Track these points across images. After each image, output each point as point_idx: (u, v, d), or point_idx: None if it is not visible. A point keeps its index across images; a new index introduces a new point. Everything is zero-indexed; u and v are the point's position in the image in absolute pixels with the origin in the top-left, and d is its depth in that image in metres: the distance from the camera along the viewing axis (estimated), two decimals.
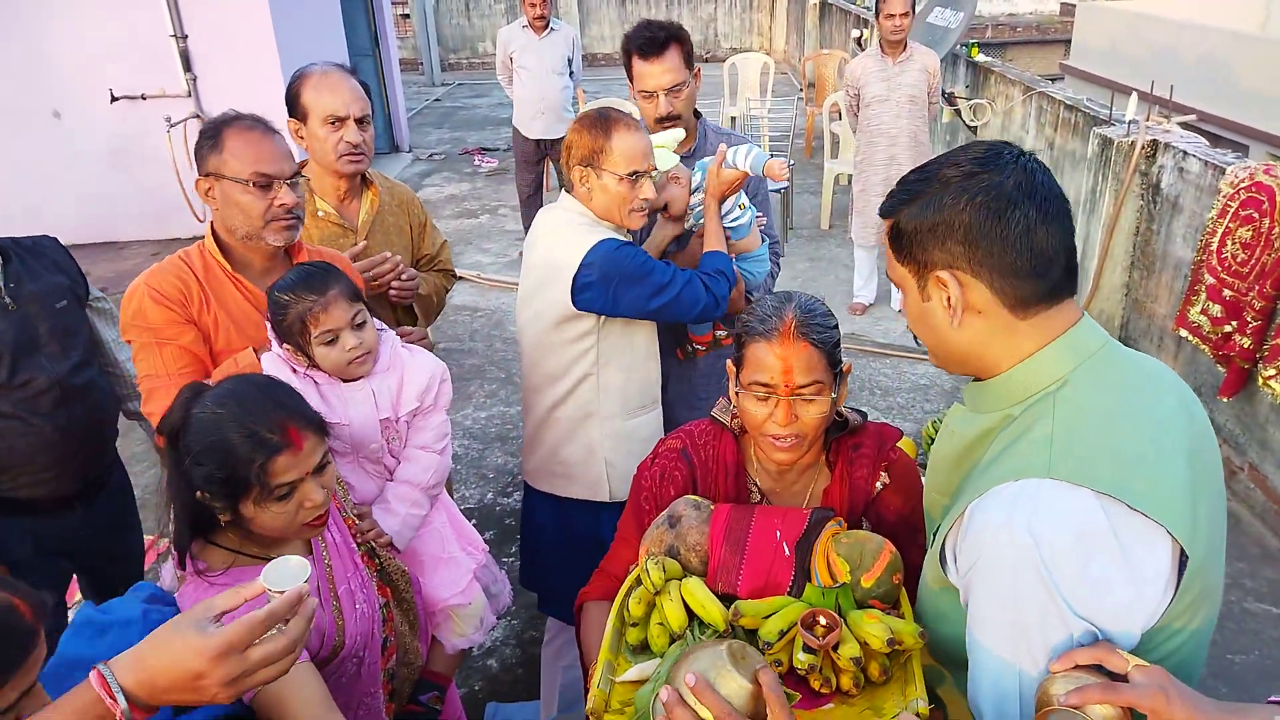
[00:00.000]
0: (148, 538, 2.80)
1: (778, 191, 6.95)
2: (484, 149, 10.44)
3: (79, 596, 2.63)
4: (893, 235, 1.20)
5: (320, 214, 2.44)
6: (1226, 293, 3.77)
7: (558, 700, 2.74)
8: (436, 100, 13.85)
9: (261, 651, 1.09)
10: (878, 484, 1.67)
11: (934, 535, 1.21)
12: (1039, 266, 1.11)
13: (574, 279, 2.18)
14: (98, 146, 7.12)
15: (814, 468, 1.71)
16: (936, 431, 2.73)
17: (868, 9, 9.37)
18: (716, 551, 1.55)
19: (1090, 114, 5.39)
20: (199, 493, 1.46)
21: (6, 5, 6.73)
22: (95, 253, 7.23)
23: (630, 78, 2.65)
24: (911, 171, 1.21)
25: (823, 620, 1.38)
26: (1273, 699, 1.01)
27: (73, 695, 1.06)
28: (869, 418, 1.78)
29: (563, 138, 2.33)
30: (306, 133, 2.40)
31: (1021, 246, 1.10)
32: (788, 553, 1.53)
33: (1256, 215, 3.64)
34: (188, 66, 6.97)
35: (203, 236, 2.07)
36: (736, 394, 1.63)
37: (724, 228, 2.43)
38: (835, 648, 1.37)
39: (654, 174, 2.24)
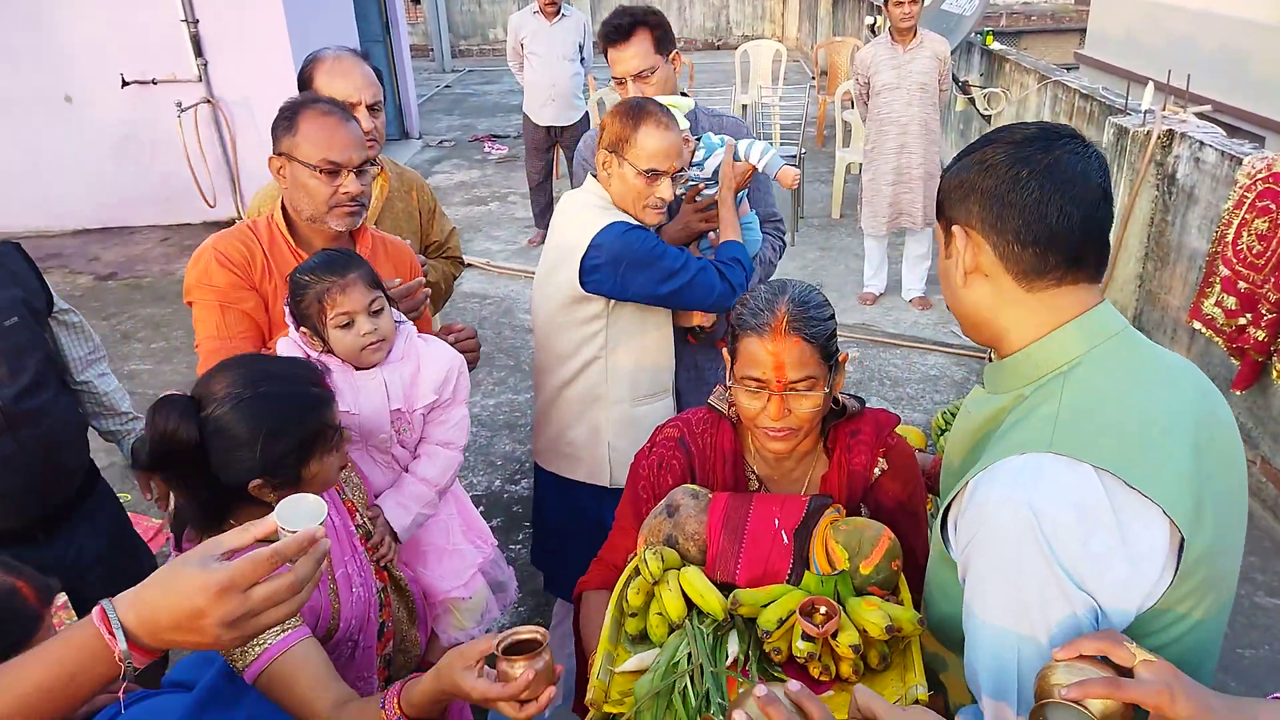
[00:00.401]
0: (153, 524, 2.79)
1: None
2: (494, 136, 10.42)
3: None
4: (939, 189, 1.24)
5: None
6: (1241, 285, 3.74)
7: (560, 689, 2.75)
8: (447, 87, 13.82)
9: (266, 590, 1.02)
10: (876, 470, 1.67)
11: (939, 511, 1.22)
12: (1045, 239, 1.12)
13: (582, 260, 2.18)
14: (109, 132, 7.13)
15: (812, 454, 1.71)
16: (946, 423, 2.72)
17: None
18: (715, 540, 1.55)
19: (1106, 103, 5.34)
20: (256, 483, 1.45)
21: None
22: (105, 238, 7.26)
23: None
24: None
25: (822, 608, 1.39)
26: (1276, 695, 1.00)
27: (74, 629, 1.02)
28: (868, 404, 1.77)
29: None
30: None
31: (1032, 217, 1.12)
32: (786, 540, 1.53)
33: (1274, 206, 3.61)
34: (199, 51, 6.97)
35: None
36: (730, 386, 1.63)
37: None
38: (834, 635, 1.37)
39: (685, 176, 2.22)
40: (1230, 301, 3.80)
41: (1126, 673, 0.98)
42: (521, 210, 7.73)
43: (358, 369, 1.87)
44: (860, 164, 5.84)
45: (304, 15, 7.27)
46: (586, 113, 6.80)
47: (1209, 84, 7.43)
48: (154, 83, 6.99)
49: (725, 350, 1.65)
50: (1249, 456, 3.90)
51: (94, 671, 1.00)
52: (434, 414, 1.93)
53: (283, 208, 2.08)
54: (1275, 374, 3.61)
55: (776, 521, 1.54)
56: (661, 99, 2.39)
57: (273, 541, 1.06)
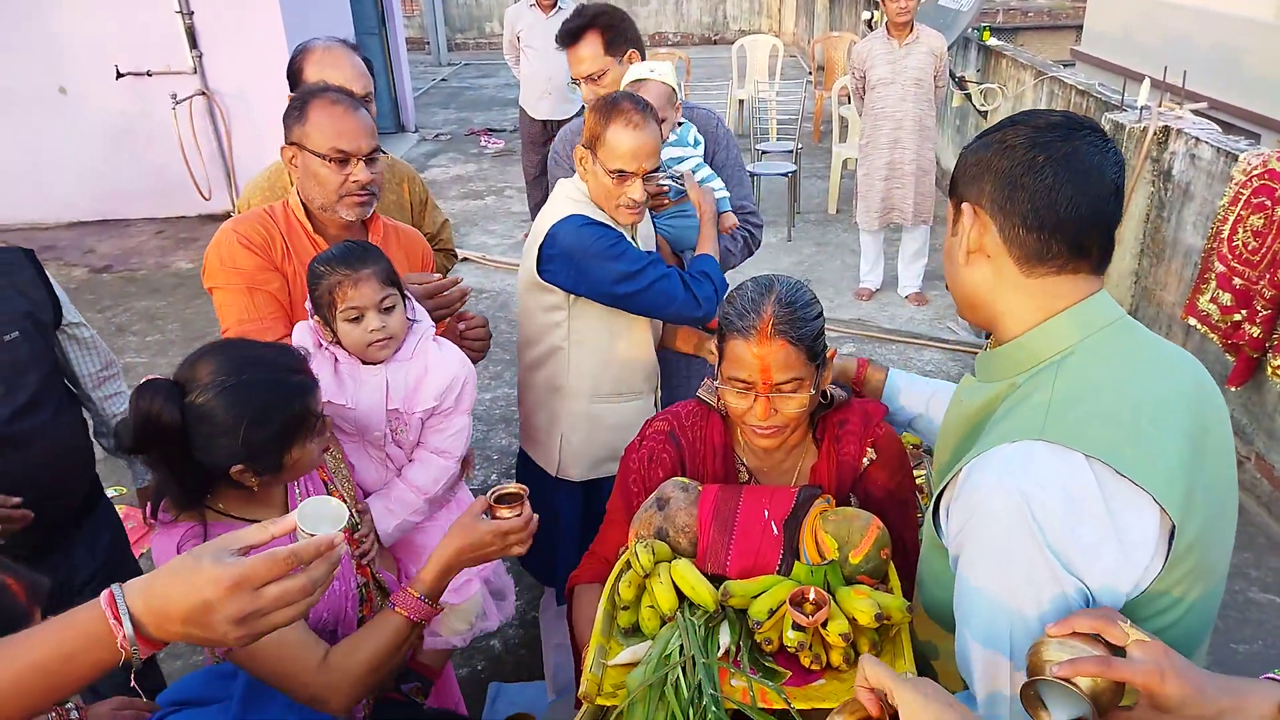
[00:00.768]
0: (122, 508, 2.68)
1: (785, 175, 6.92)
2: (490, 129, 10.39)
3: None
4: (955, 165, 1.25)
5: None
6: (1237, 281, 3.74)
7: (555, 681, 2.75)
8: (443, 80, 13.79)
9: (277, 590, 1.01)
10: (864, 460, 1.68)
11: (932, 498, 1.23)
12: (1050, 226, 1.13)
13: (540, 247, 2.18)
14: (103, 124, 7.10)
15: (801, 446, 1.71)
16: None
17: None
18: (705, 532, 1.56)
19: (1102, 99, 5.34)
20: (237, 468, 1.47)
21: None
22: (100, 230, 7.23)
23: None
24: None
25: (811, 598, 1.40)
26: (1269, 675, 1.01)
27: (79, 611, 1.00)
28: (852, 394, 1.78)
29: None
30: None
31: (1041, 203, 1.12)
32: (776, 531, 1.54)
33: (1269, 203, 3.61)
34: (194, 43, 6.94)
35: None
36: (718, 386, 1.63)
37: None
38: (824, 624, 1.38)
39: (663, 175, 2.19)
40: (1225, 298, 3.81)
41: (1119, 651, 0.98)
42: (518, 204, 7.71)
43: (364, 363, 1.86)
44: (857, 159, 5.83)
45: (299, 7, 7.24)
46: (583, 106, 6.77)
47: (1205, 81, 7.43)
48: (149, 75, 6.96)
49: (713, 346, 1.66)
50: (1244, 453, 3.93)
51: (94, 655, 0.99)
52: (433, 420, 1.91)
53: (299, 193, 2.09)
54: (1270, 370, 3.62)
55: (766, 513, 1.55)
56: (638, 68, 2.47)
57: (284, 539, 1.06)
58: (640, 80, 2.52)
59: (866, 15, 9.37)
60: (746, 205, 2.78)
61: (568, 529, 2.37)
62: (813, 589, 1.41)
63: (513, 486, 1.62)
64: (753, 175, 6.94)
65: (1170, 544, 1.07)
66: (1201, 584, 1.12)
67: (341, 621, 1.67)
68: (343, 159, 1.98)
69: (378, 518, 1.87)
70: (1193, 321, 4.03)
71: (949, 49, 5.74)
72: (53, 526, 2.06)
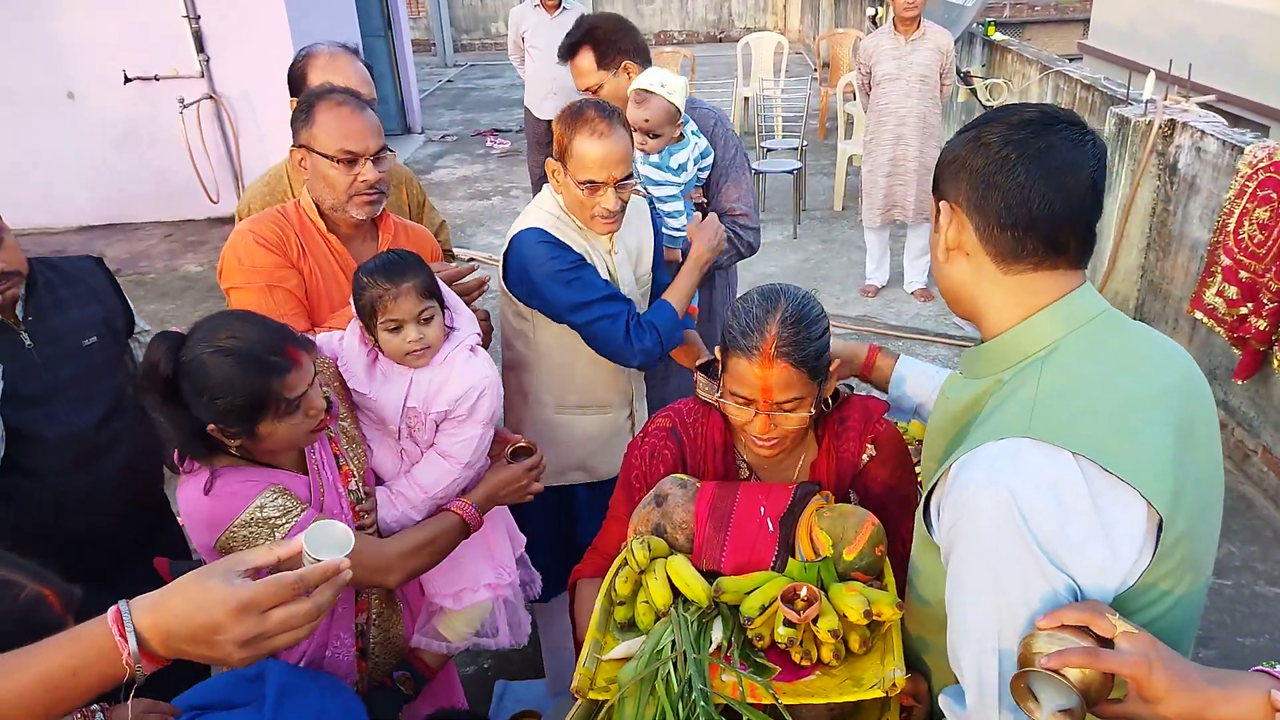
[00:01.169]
0: None
1: (790, 173, 6.92)
2: (496, 130, 10.42)
3: None
4: (936, 162, 1.26)
5: None
6: (1243, 274, 3.73)
7: (554, 682, 2.77)
8: (449, 81, 13.82)
9: (283, 614, 1.03)
10: (864, 456, 1.68)
11: (921, 497, 1.23)
12: (1024, 223, 1.13)
13: (504, 254, 2.20)
14: (111, 128, 7.14)
15: (801, 443, 1.72)
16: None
17: None
18: (701, 529, 1.57)
19: (1107, 93, 5.33)
20: (211, 426, 1.58)
21: None
22: (109, 234, 7.28)
23: None
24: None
25: (802, 594, 1.40)
26: (1258, 668, 1.01)
27: (86, 626, 1.01)
28: (863, 394, 1.78)
29: None
30: None
31: (1014, 200, 1.13)
32: (771, 528, 1.55)
33: (1275, 196, 3.60)
34: (201, 48, 6.98)
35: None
36: (718, 397, 1.64)
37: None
38: (815, 621, 1.38)
39: (636, 180, 2.17)
40: (1232, 291, 3.79)
41: (1108, 644, 0.99)
42: (524, 205, 7.65)
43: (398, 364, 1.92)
44: (862, 156, 5.83)
45: (305, 10, 7.27)
46: None
47: (1213, 74, 7.39)
48: (156, 79, 7.00)
49: (717, 349, 1.66)
50: (1250, 446, 3.92)
51: (98, 670, 1.00)
52: (447, 425, 1.94)
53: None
54: (1277, 363, 3.61)
55: (762, 509, 1.56)
56: (651, 77, 2.46)
57: (289, 563, 1.08)
58: (645, 93, 2.51)
59: (871, 11, 9.36)
60: (738, 208, 2.76)
61: (536, 532, 2.36)
62: (804, 585, 1.41)
63: (523, 441, 2.07)
64: (758, 173, 6.94)
65: (1158, 538, 1.07)
66: (1189, 576, 1.12)
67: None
68: (350, 159, 2.00)
69: (382, 507, 1.92)
70: (1199, 315, 4.02)
71: (954, 44, 5.72)
72: (128, 546, 2.06)
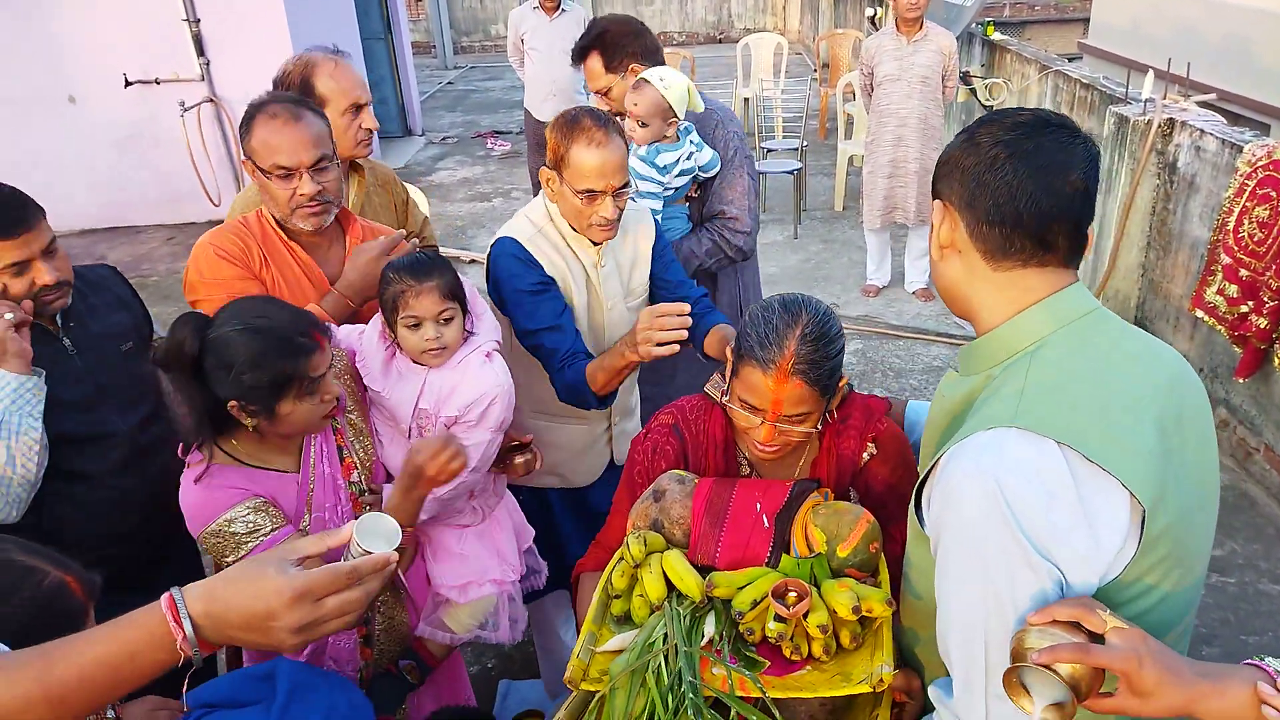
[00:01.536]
0: None
1: (790, 173, 6.92)
2: (496, 132, 10.43)
3: None
4: (936, 162, 1.28)
5: None
6: (1243, 272, 3.73)
7: (550, 683, 2.78)
8: (449, 83, 13.84)
9: (336, 601, 1.05)
10: (865, 455, 1.69)
11: (915, 490, 1.25)
12: (1011, 221, 1.16)
13: (487, 258, 2.20)
14: (112, 131, 7.16)
15: (803, 441, 1.72)
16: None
17: None
18: (697, 524, 1.58)
19: (1106, 92, 5.33)
20: (233, 403, 1.65)
21: None
22: (111, 237, 7.29)
23: None
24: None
25: (793, 590, 1.41)
26: (1249, 661, 1.02)
27: (141, 612, 1.03)
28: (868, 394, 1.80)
29: None
30: None
31: (1002, 198, 1.15)
32: (767, 524, 1.56)
33: (1274, 194, 3.60)
34: (201, 51, 6.99)
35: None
36: (726, 400, 1.65)
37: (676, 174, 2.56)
38: (806, 616, 1.39)
39: (633, 189, 2.15)
40: (1232, 289, 3.79)
41: (1099, 639, 1.00)
42: (524, 206, 7.72)
43: (414, 362, 1.95)
44: (863, 156, 5.83)
45: (305, 13, 7.29)
46: None
47: (1214, 73, 7.39)
48: (157, 82, 7.01)
49: (729, 350, 1.66)
50: (1253, 444, 3.92)
51: (153, 655, 1.01)
52: (456, 427, 1.96)
53: None
54: (1277, 361, 3.61)
55: (758, 506, 1.57)
56: (655, 71, 2.49)
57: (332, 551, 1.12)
58: (644, 82, 2.54)
59: (870, 12, 9.37)
60: (729, 210, 2.76)
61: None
62: (795, 581, 1.43)
63: (522, 439, 2.12)
64: (759, 173, 6.94)
65: (1142, 530, 1.08)
66: (1178, 572, 1.13)
67: None
68: (285, 174, 1.97)
69: (387, 504, 1.92)
70: (1200, 313, 4.02)
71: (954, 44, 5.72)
72: (162, 545, 2.08)
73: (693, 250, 2.74)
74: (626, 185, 2.10)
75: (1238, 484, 3.92)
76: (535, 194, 7.85)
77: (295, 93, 2.40)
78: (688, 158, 2.66)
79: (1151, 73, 4.83)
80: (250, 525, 1.68)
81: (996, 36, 7.21)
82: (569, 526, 2.47)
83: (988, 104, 6.90)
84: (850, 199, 7.37)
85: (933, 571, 1.18)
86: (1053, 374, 1.14)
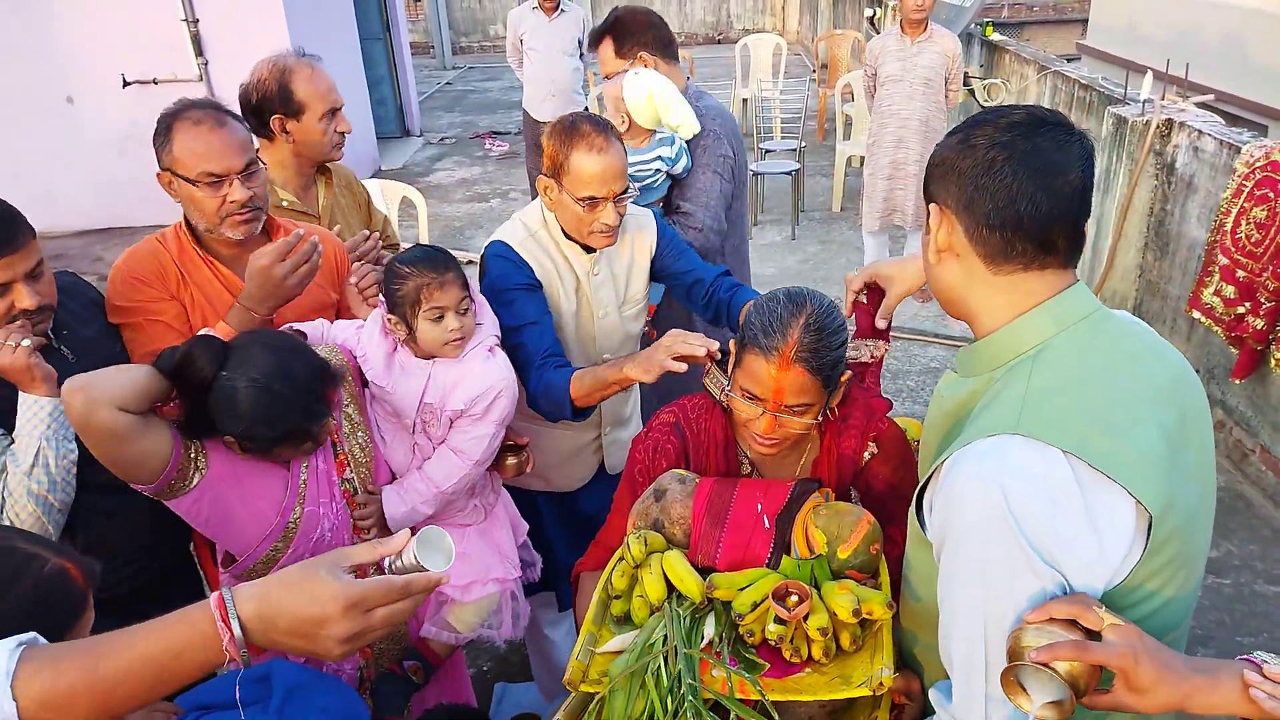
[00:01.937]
0: None
1: (788, 174, 6.92)
2: (495, 132, 10.43)
3: None
4: (927, 164, 1.26)
5: (285, 204, 2.46)
6: (1240, 274, 3.74)
7: (544, 686, 2.78)
8: (448, 84, 13.83)
9: (385, 613, 1.06)
10: (865, 454, 1.69)
11: (916, 493, 1.25)
12: (1011, 224, 1.14)
13: (480, 260, 2.21)
14: (110, 132, 7.14)
15: (803, 440, 1.73)
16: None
17: None
18: (698, 524, 1.58)
19: (1105, 93, 5.34)
20: (229, 437, 1.66)
21: None
22: (109, 237, 7.28)
23: None
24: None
25: (793, 592, 1.41)
26: (1242, 656, 1.04)
27: (190, 610, 1.03)
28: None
29: None
30: (297, 126, 2.41)
31: (1001, 202, 1.14)
32: (768, 525, 1.56)
33: (1272, 195, 3.60)
34: (199, 51, 6.99)
35: None
36: (728, 392, 1.65)
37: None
38: (806, 618, 1.39)
39: (630, 193, 2.09)
40: (1229, 290, 3.80)
41: (1095, 636, 1.01)
42: (522, 206, 7.72)
43: (416, 356, 1.95)
44: (861, 157, 5.82)
45: (304, 14, 7.29)
46: (586, 108, 6.81)
47: (1212, 73, 7.40)
48: (155, 83, 7.00)
49: (732, 342, 1.66)
50: (1249, 446, 3.92)
51: (199, 656, 1.01)
52: (461, 422, 1.97)
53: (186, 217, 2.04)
54: (1274, 362, 3.61)
55: (759, 506, 1.57)
56: (633, 79, 2.54)
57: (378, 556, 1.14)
58: (621, 74, 2.63)
59: (869, 12, 9.37)
60: (685, 206, 2.78)
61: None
62: (795, 583, 1.42)
63: (518, 440, 2.14)
64: (756, 174, 6.95)
65: (1149, 535, 1.08)
66: (1182, 574, 1.13)
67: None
68: (215, 181, 1.90)
69: (389, 503, 1.94)
70: (1197, 314, 4.02)
71: None
72: (167, 568, 2.05)
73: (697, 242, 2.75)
74: (627, 191, 2.07)
75: (1233, 485, 3.92)
76: (534, 195, 7.84)
77: (272, 98, 2.39)
78: (650, 163, 2.70)
79: (1150, 73, 4.84)
80: None
81: (995, 37, 7.21)
82: (556, 530, 2.46)
83: (986, 105, 6.90)
84: (848, 200, 7.37)
85: (933, 575, 1.18)
86: (1055, 379, 1.13)
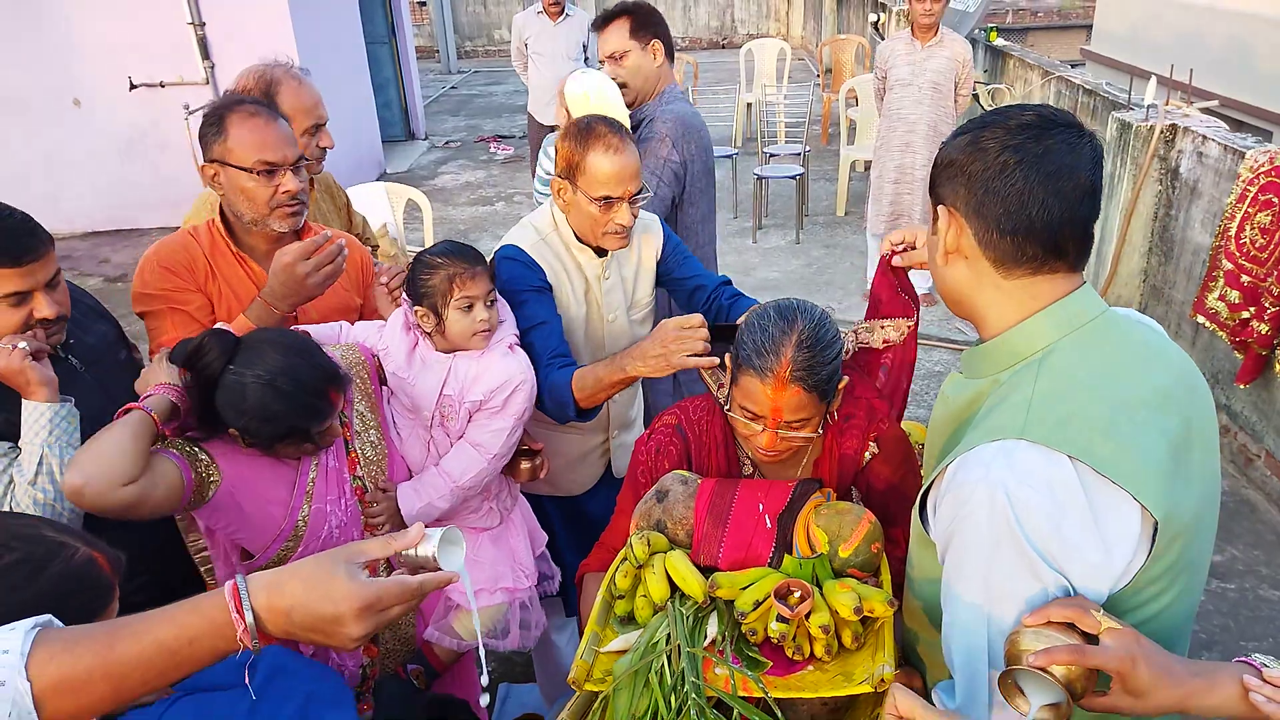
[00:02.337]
0: None
1: (793, 178, 6.93)
2: (499, 136, 10.45)
3: None
4: (933, 164, 1.25)
5: None
6: (1245, 278, 3.73)
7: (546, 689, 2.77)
8: (453, 88, 13.87)
9: (399, 610, 1.09)
10: (867, 454, 1.70)
11: (919, 494, 1.25)
12: (1024, 230, 1.13)
13: (491, 264, 2.20)
14: (117, 134, 7.18)
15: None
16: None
17: None
18: (700, 525, 1.59)
19: (1109, 98, 5.34)
20: (233, 430, 1.68)
21: None
22: (115, 239, 7.31)
23: None
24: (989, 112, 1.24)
25: (795, 591, 1.42)
26: (1240, 658, 1.03)
27: (204, 598, 1.04)
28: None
29: None
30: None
31: (1013, 206, 1.13)
32: (769, 525, 1.56)
33: (1276, 200, 3.60)
34: (206, 54, 7.02)
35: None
36: (726, 408, 1.66)
37: None
38: (808, 616, 1.39)
39: (643, 196, 2.09)
40: (1233, 295, 3.80)
41: (1093, 639, 1.01)
42: (527, 210, 7.73)
43: (437, 350, 1.97)
44: (865, 161, 5.83)
45: (309, 17, 7.31)
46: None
47: (1216, 79, 7.40)
48: (161, 86, 7.04)
49: (727, 356, 1.66)
50: (1254, 450, 3.92)
51: (211, 644, 1.02)
52: (479, 415, 1.98)
53: (222, 212, 2.06)
54: (1278, 367, 3.61)
55: (761, 506, 1.58)
56: (587, 73, 2.60)
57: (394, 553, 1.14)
58: (580, 71, 2.73)
59: (873, 18, 9.39)
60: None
61: None
62: (797, 582, 1.43)
63: (532, 445, 2.15)
64: (760, 178, 6.96)
65: (1153, 540, 1.08)
66: (1185, 577, 1.13)
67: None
68: (269, 170, 1.94)
69: (404, 499, 1.95)
70: (1201, 319, 4.02)
71: None
72: (186, 575, 2.07)
73: None
74: (642, 191, 2.07)
75: (1238, 490, 3.92)
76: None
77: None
78: None
79: (1154, 79, 4.84)
80: None
81: (1000, 42, 7.22)
82: (563, 534, 2.47)
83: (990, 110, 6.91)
84: (852, 204, 7.37)
85: (936, 575, 1.18)
86: (1061, 383, 1.12)
